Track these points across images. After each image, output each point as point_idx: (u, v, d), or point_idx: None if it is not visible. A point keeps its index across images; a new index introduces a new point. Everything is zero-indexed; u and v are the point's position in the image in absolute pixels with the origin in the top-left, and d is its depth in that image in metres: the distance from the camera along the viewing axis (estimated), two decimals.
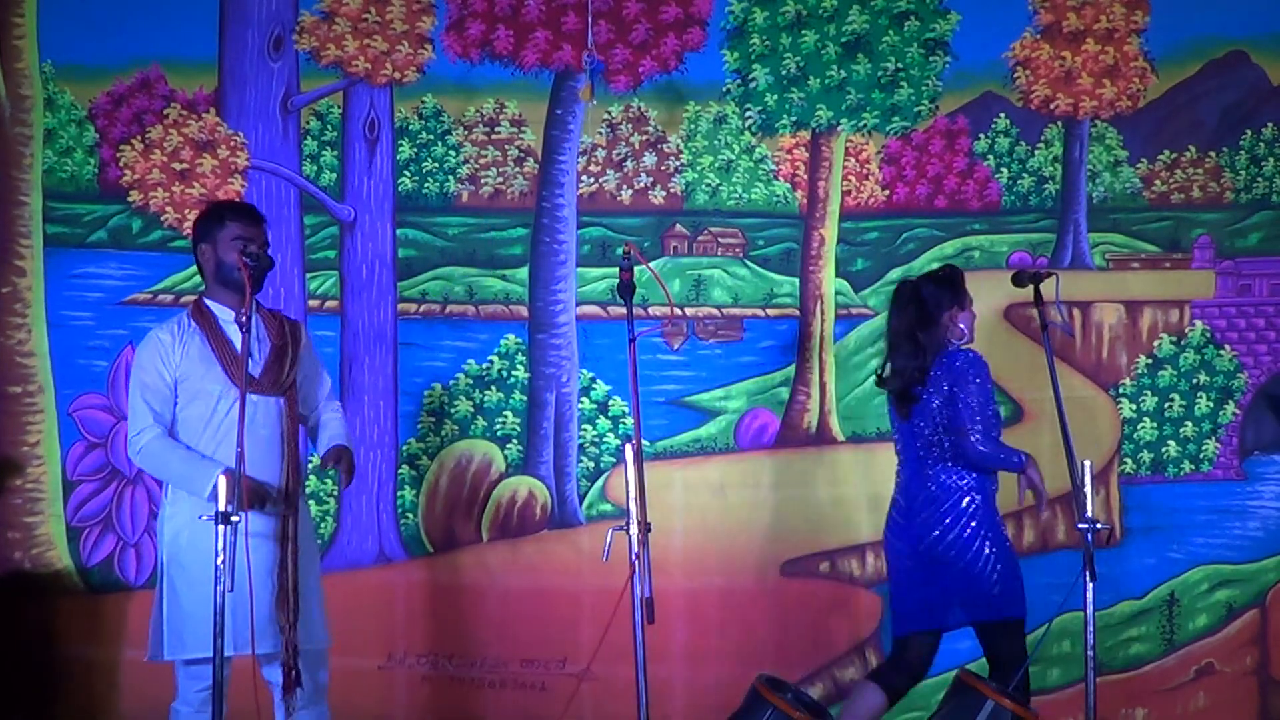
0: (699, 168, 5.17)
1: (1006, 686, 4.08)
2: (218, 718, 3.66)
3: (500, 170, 5.15)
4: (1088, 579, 3.94)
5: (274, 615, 3.83)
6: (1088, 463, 4.03)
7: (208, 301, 4.00)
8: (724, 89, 5.16)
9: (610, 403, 5.15)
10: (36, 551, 5.05)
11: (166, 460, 3.90)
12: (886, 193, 5.18)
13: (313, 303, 5.13)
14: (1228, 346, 5.15)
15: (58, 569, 5.03)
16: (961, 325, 4.18)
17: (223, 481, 3.71)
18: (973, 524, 4.09)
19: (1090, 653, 3.99)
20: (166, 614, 3.86)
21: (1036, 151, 5.17)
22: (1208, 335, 5.17)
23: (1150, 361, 5.14)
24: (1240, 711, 4.68)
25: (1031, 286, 4.27)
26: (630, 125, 5.16)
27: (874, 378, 4.40)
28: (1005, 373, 5.13)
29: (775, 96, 5.15)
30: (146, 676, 4.94)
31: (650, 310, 5.03)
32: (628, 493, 3.80)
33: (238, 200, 4.04)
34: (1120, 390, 5.14)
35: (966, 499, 4.10)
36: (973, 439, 4.05)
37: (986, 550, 4.08)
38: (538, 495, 5.13)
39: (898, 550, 4.22)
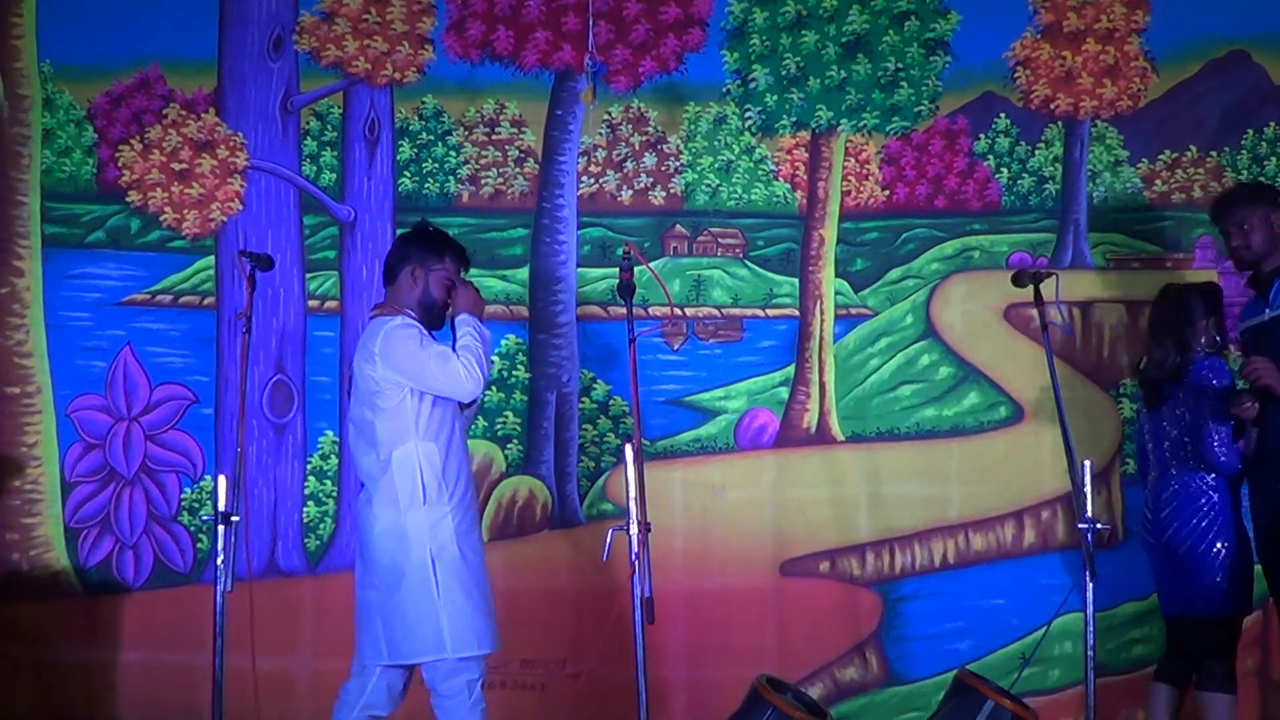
0: (699, 168, 5.16)
1: (1202, 679, 4.33)
2: (218, 717, 3.69)
3: (500, 171, 5.14)
4: (1088, 579, 3.93)
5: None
6: (1088, 462, 4.02)
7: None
8: (724, 89, 5.15)
9: (610, 402, 5.13)
10: (35, 553, 5.04)
11: (474, 343, 3.92)
12: (886, 193, 5.17)
13: (313, 303, 5.13)
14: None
15: (56, 570, 5.02)
16: (1214, 335, 4.49)
17: (222, 480, 3.73)
18: (1205, 523, 4.34)
19: (1091, 653, 3.97)
20: (446, 612, 3.85)
21: (1037, 151, 5.15)
22: None
23: None
24: (1241, 712, 4.64)
25: (1031, 286, 4.27)
26: (630, 126, 5.15)
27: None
28: (1005, 373, 5.13)
29: (775, 97, 5.14)
30: (144, 678, 4.96)
31: (650, 310, 5.03)
32: (628, 493, 3.79)
33: (457, 240, 4.16)
34: (1120, 390, 5.13)
35: (1204, 499, 4.35)
36: (1215, 446, 4.31)
37: (1218, 547, 4.31)
38: (538, 495, 5.12)
39: (1148, 544, 4.51)
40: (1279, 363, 4.20)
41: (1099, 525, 3.98)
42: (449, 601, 3.86)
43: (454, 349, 3.94)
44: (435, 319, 4.07)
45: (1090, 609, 3.95)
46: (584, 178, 5.14)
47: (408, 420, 3.90)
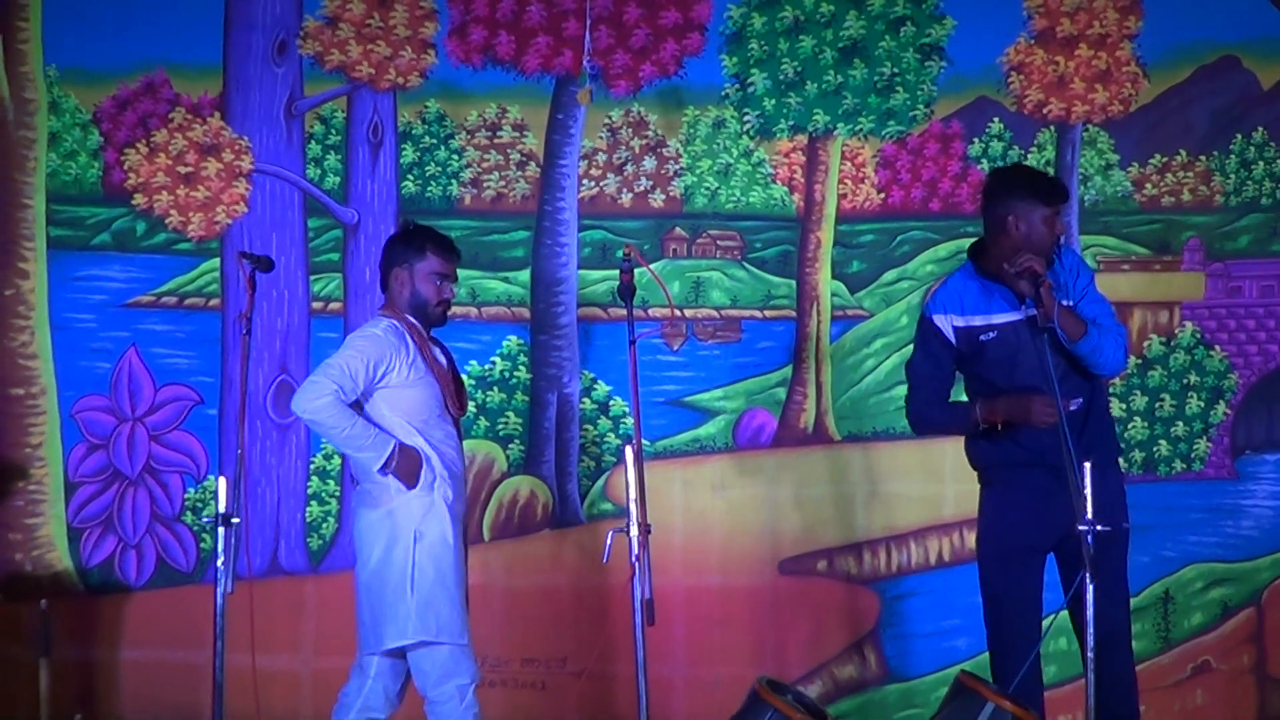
0: (698, 171, 5.03)
1: None
2: (218, 717, 3.55)
3: (502, 174, 5.01)
4: (1089, 579, 3.76)
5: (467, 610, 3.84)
6: (1087, 464, 3.84)
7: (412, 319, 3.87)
8: (723, 93, 5.01)
9: (611, 403, 5.00)
10: (37, 553, 4.91)
11: (349, 421, 3.68)
12: (882, 196, 5.03)
13: (316, 305, 5.01)
14: (1218, 347, 4.99)
15: (58, 570, 4.89)
16: None
17: (222, 482, 3.58)
18: None
19: (1090, 655, 3.80)
20: (416, 598, 3.72)
21: (1029, 155, 5.00)
22: (1198, 336, 5.01)
23: (1140, 362, 4.97)
24: (1238, 708, 4.58)
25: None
26: (630, 129, 5.02)
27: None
28: None
29: (773, 101, 5.00)
30: (145, 677, 4.84)
31: (650, 312, 4.91)
32: (628, 494, 3.65)
33: (439, 231, 3.96)
34: (1111, 391, 4.97)
35: None
36: None
37: None
38: (539, 495, 4.99)
39: None
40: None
41: (1099, 527, 3.80)
42: (419, 585, 3.73)
43: (348, 402, 3.70)
44: (430, 317, 3.89)
45: (1090, 610, 3.77)
46: (585, 181, 5.00)
47: (383, 417, 3.77)
